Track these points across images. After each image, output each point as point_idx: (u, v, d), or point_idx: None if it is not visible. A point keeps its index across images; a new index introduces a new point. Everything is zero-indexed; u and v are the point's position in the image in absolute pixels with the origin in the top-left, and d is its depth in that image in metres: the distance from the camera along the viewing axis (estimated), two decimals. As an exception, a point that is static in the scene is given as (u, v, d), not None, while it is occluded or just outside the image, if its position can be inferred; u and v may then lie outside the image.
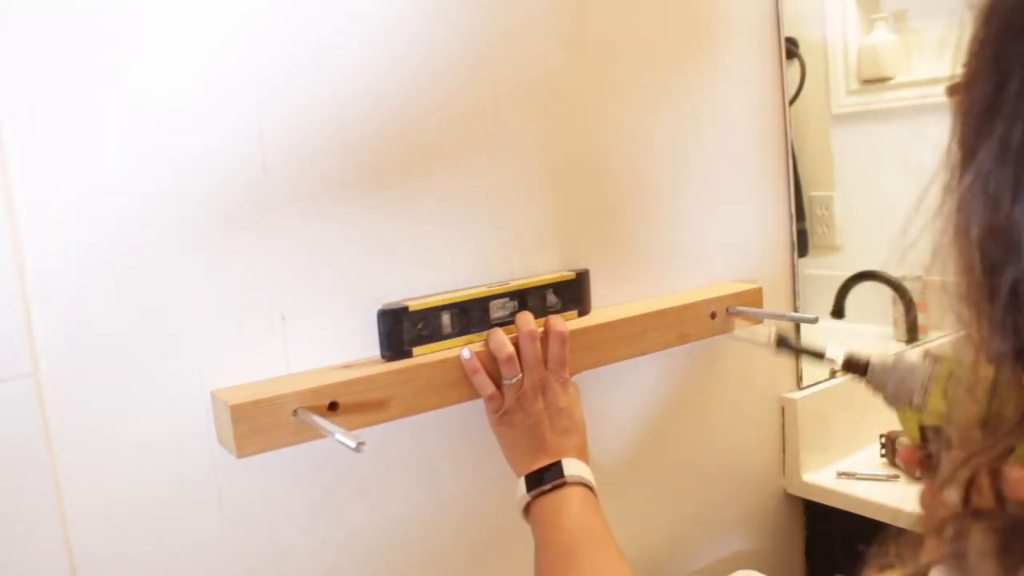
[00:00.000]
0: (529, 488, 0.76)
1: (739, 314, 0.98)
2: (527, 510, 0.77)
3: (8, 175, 0.59)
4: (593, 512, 0.74)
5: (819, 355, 0.78)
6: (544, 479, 0.76)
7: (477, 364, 0.77)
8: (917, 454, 0.68)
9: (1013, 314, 0.31)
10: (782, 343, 0.80)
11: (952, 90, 0.35)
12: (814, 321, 0.97)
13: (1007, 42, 0.31)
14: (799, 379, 1.17)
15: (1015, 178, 0.30)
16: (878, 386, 0.73)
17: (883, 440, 1.16)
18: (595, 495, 0.77)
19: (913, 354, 0.70)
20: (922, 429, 0.68)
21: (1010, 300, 0.30)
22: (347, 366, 0.74)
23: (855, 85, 1.53)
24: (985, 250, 0.31)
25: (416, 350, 0.77)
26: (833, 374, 1.21)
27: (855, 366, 0.75)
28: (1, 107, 0.58)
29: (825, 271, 1.39)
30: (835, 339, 1.20)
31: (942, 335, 1.40)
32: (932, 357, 0.68)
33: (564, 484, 0.75)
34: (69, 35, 0.60)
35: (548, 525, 0.73)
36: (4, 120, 0.58)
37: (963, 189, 0.31)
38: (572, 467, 0.76)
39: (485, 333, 0.80)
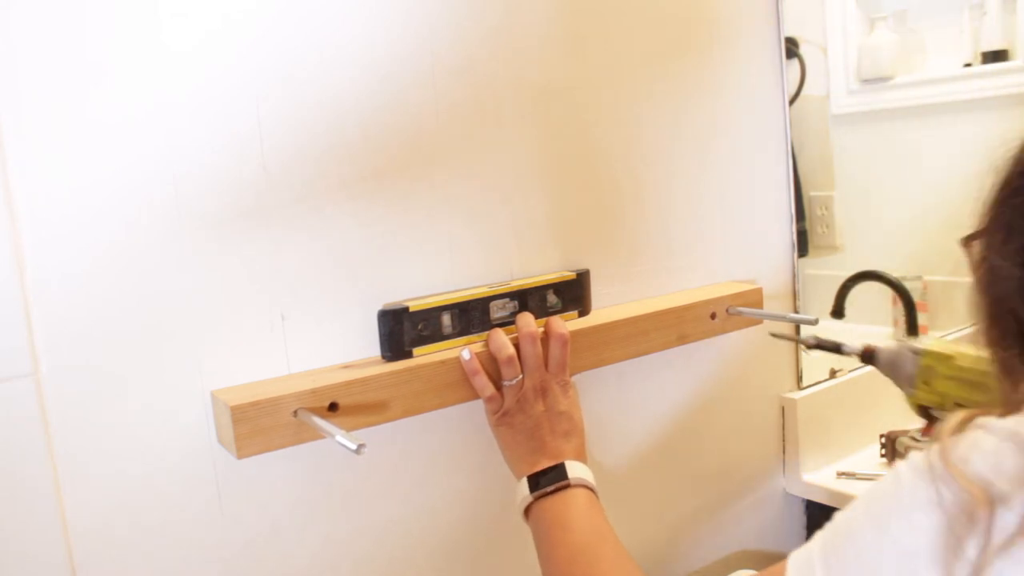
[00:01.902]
0: (531, 490, 0.76)
1: (739, 315, 0.98)
2: (527, 512, 0.76)
3: (8, 174, 0.59)
4: (598, 514, 0.74)
5: (838, 348, 0.89)
6: (547, 481, 0.75)
7: (477, 365, 0.77)
8: (929, 428, 0.86)
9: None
10: (818, 345, 0.92)
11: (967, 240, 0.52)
12: (814, 322, 0.97)
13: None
14: (799, 379, 1.17)
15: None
16: (886, 373, 0.84)
17: (883, 440, 1.16)
18: (597, 497, 0.77)
19: (907, 346, 0.81)
20: (919, 408, 0.81)
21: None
22: (347, 366, 0.74)
23: (855, 85, 1.53)
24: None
25: (416, 351, 0.77)
26: (833, 374, 1.21)
27: (867, 356, 0.86)
28: (1, 106, 0.58)
29: (825, 271, 1.39)
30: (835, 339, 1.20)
31: (942, 334, 1.40)
32: (916, 351, 0.80)
33: (567, 486, 0.75)
34: (69, 34, 0.60)
35: (555, 526, 0.73)
36: (4, 119, 0.58)
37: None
38: (575, 469, 0.76)
39: (485, 334, 0.80)
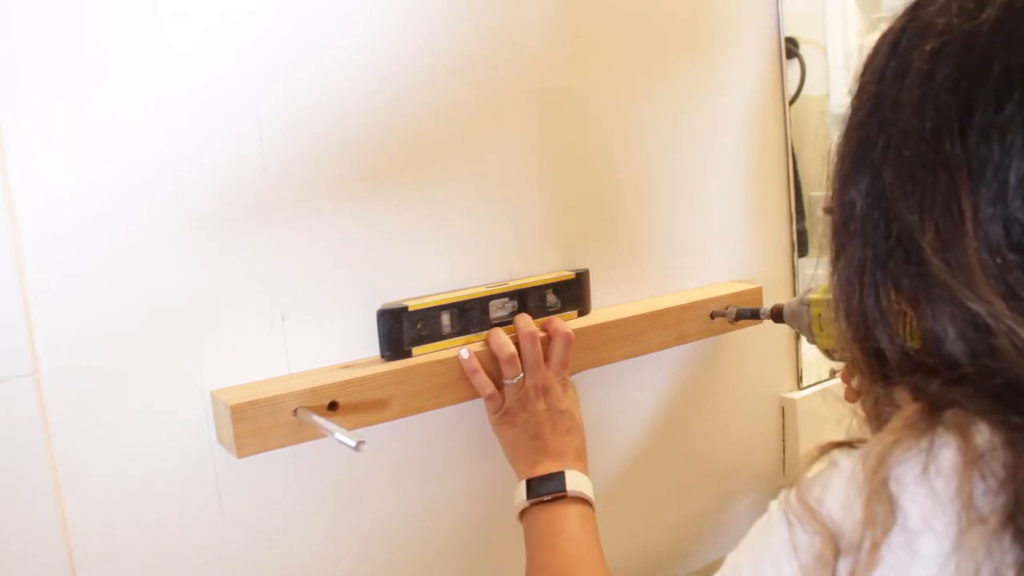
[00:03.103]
0: (530, 494, 0.75)
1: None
2: (522, 514, 0.76)
3: (8, 174, 0.59)
4: (589, 534, 0.74)
5: (755, 314, 0.92)
6: (545, 489, 0.75)
7: (476, 364, 0.77)
8: (846, 375, 0.85)
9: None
10: (738, 315, 0.94)
11: (826, 211, 0.51)
12: (814, 321, 0.97)
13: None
14: (799, 379, 1.17)
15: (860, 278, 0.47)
16: (793, 327, 0.88)
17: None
18: (593, 512, 0.76)
19: (801, 298, 0.85)
20: (827, 352, 0.84)
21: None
22: (347, 366, 0.74)
23: (855, 85, 1.52)
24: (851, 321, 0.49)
25: (416, 350, 0.77)
26: (833, 374, 1.21)
27: (776, 315, 0.89)
28: (1, 106, 0.58)
29: (825, 271, 1.39)
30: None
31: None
32: (806, 303, 0.83)
33: (564, 497, 0.75)
34: (69, 34, 0.60)
35: (544, 542, 0.73)
36: (4, 119, 0.58)
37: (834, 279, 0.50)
38: (574, 481, 0.76)
39: (485, 333, 0.80)
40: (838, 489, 0.43)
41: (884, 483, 0.40)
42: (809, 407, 1.15)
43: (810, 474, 0.45)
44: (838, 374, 1.02)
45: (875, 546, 0.39)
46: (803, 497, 0.43)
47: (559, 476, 0.76)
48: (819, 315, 0.81)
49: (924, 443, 0.40)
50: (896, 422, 0.42)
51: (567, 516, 0.74)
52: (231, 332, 0.69)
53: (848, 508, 0.41)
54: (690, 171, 1.00)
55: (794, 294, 1.14)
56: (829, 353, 0.83)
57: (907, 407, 0.42)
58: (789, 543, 0.43)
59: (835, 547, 0.41)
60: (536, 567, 0.72)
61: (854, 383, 0.52)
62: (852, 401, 0.84)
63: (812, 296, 0.83)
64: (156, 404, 0.66)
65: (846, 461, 0.44)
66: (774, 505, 0.46)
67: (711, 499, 1.09)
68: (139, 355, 0.65)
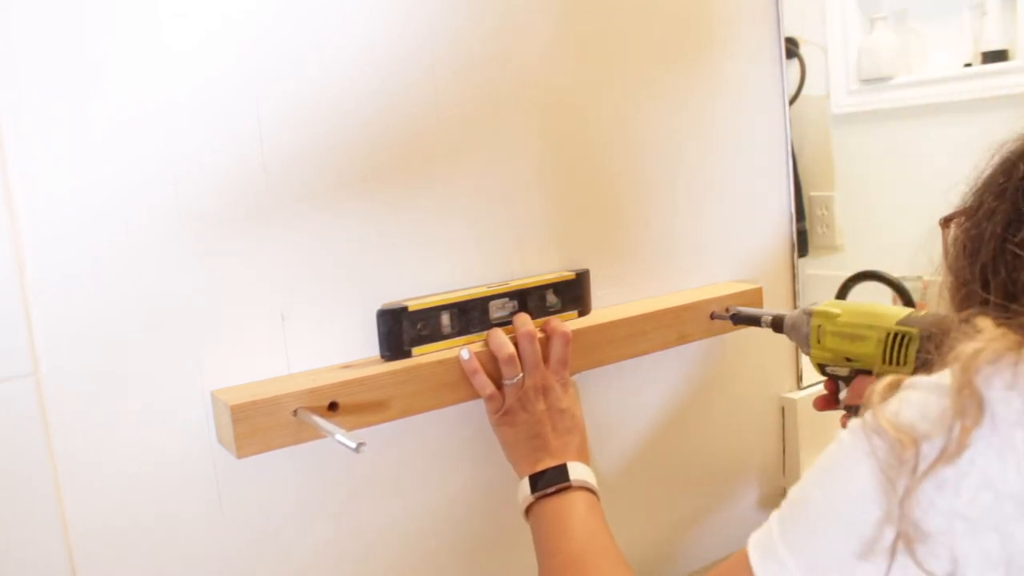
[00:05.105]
0: (533, 489, 0.76)
1: (739, 314, 0.98)
2: (528, 511, 0.77)
3: (8, 174, 0.59)
4: (598, 519, 0.74)
5: (756, 320, 0.91)
6: (548, 481, 0.75)
7: (476, 364, 0.77)
8: (830, 385, 0.88)
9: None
10: (733, 316, 0.93)
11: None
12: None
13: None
14: (799, 379, 1.17)
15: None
16: (791, 338, 0.88)
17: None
18: (598, 500, 0.76)
19: (803, 309, 0.85)
20: (819, 366, 0.85)
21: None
22: (347, 366, 0.74)
23: (855, 85, 1.53)
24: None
25: (416, 350, 0.77)
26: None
27: (776, 325, 0.89)
28: (1, 106, 0.58)
29: (825, 271, 1.39)
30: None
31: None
32: (808, 312, 0.84)
33: (568, 488, 0.75)
34: (69, 34, 0.60)
35: (553, 530, 0.73)
36: (4, 119, 0.58)
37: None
38: (576, 471, 0.76)
39: (485, 334, 0.80)
40: (916, 401, 0.44)
41: (971, 382, 0.41)
42: (809, 407, 1.14)
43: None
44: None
45: (965, 431, 0.40)
46: (878, 414, 0.44)
47: (561, 468, 0.76)
48: (819, 327, 0.82)
49: (1011, 357, 0.41)
50: (980, 339, 0.43)
51: (573, 504, 0.74)
52: (231, 332, 0.69)
53: (928, 412, 0.42)
54: (690, 171, 1.00)
55: (794, 294, 1.14)
56: (822, 367, 0.84)
57: (990, 330, 0.44)
58: (863, 451, 0.44)
59: (915, 440, 0.42)
60: (547, 553, 0.72)
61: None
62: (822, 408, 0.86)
63: (815, 308, 0.83)
64: (156, 404, 0.66)
65: (925, 379, 0.45)
66: (844, 431, 0.47)
67: (711, 499, 1.09)
68: (139, 355, 0.65)
